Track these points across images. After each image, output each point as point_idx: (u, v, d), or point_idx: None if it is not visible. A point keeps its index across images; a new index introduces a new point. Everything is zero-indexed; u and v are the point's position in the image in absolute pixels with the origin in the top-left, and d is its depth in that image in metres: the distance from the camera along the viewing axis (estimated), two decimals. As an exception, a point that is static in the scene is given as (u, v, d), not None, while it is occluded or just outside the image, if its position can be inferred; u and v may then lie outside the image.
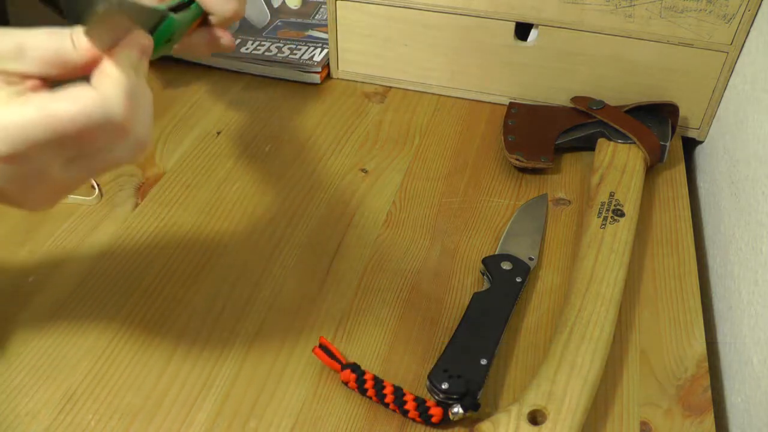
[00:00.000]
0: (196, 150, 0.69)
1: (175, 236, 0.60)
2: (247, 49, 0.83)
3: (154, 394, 0.48)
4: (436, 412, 0.46)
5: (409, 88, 0.79)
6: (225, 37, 0.52)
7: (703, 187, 0.71)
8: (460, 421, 0.46)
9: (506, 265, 0.55)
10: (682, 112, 0.69)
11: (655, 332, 0.54)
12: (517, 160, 0.66)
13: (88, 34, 0.35)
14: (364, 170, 0.67)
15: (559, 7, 0.69)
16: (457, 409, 0.45)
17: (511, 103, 0.74)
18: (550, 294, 0.56)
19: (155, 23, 0.42)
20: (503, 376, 0.50)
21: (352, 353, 0.51)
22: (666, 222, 0.63)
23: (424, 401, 0.46)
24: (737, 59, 0.67)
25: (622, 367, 0.51)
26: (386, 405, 0.47)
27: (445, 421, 0.46)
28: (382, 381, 0.48)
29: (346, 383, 0.48)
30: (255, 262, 0.57)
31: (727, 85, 0.69)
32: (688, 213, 0.64)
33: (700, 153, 0.74)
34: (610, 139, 0.67)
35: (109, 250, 0.58)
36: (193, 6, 0.48)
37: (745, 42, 0.66)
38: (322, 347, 0.50)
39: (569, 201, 0.65)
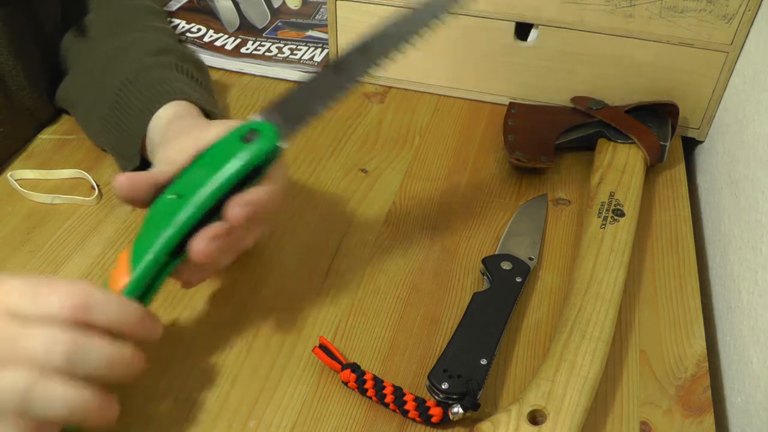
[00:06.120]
0: (196, 150, 0.69)
1: (175, 236, 0.60)
2: (247, 49, 0.83)
3: (155, 393, 0.48)
4: (436, 412, 0.46)
5: (409, 88, 0.79)
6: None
7: (703, 186, 0.71)
8: (460, 421, 0.46)
9: (506, 265, 0.55)
10: (682, 112, 0.69)
11: (655, 332, 0.54)
12: (517, 160, 0.66)
13: None
14: (364, 170, 0.67)
15: (559, 7, 0.69)
16: (457, 409, 0.45)
17: (511, 103, 0.74)
18: (550, 294, 0.56)
19: None
20: (503, 376, 0.50)
21: (352, 353, 0.51)
22: (666, 222, 0.63)
23: (424, 401, 0.46)
24: (737, 59, 0.67)
25: (622, 367, 0.51)
26: (386, 405, 0.47)
27: (445, 421, 0.46)
28: (382, 381, 0.48)
29: (346, 383, 0.48)
30: (255, 262, 0.57)
31: (727, 85, 0.69)
32: (688, 213, 0.64)
33: (700, 153, 0.74)
34: (610, 139, 0.66)
35: (110, 251, 0.58)
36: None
37: (745, 42, 0.66)
38: (322, 347, 0.50)
39: (569, 201, 0.65)
